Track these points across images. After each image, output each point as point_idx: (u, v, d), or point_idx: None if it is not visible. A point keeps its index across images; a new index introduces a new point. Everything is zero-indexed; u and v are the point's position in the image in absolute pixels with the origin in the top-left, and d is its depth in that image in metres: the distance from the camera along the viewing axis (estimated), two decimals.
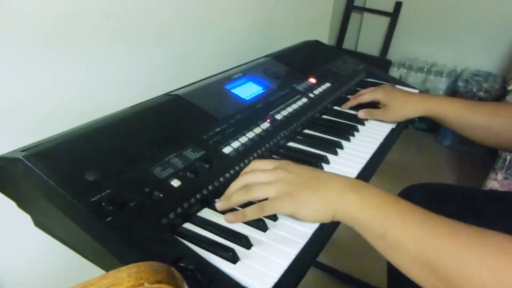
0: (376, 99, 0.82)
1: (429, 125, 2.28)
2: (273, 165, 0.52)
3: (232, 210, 0.50)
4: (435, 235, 0.41)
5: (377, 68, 1.09)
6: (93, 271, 0.41)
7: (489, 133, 0.71)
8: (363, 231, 0.46)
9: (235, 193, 0.50)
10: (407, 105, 0.78)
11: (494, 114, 0.71)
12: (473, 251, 0.39)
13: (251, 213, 0.47)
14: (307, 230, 0.48)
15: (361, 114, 0.80)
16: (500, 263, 0.37)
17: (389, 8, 2.39)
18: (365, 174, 0.64)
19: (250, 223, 0.49)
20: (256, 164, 0.53)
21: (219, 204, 0.51)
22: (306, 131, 0.75)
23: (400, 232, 0.42)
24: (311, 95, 0.82)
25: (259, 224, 0.48)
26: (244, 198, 0.49)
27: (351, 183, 0.48)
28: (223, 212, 0.51)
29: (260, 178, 0.50)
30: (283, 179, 0.48)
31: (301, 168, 0.51)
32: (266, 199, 0.48)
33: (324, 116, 0.82)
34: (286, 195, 0.47)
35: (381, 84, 1.02)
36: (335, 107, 0.86)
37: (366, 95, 0.83)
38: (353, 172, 0.63)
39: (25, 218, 0.49)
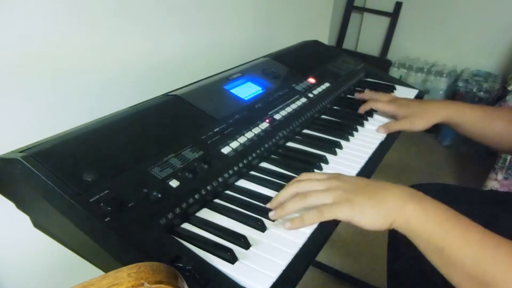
0: (391, 113, 0.80)
1: None
2: (326, 176, 0.51)
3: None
4: (496, 257, 0.40)
5: (377, 68, 1.09)
6: (93, 271, 0.41)
7: (506, 140, 0.71)
8: (420, 242, 0.45)
9: (289, 201, 0.49)
10: (427, 112, 0.76)
11: (511, 121, 0.71)
12: None
13: (310, 218, 0.46)
14: (306, 230, 0.48)
15: (380, 130, 0.77)
16: None
17: (389, 8, 2.40)
18: (365, 174, 0.63)
19: (248, 223, 0.49)
20: (308, 175, 0.53)
21: (273, 214, 0.49)
22: (305, 131, 0.75)
23: (460, 249, 0.42)
24: (310, 95, 0.82)
25: (258, 225, 0.48)
26: (301, 205, 0.48)
27: (410, 192, 0.47)
28: (223, 213, 0.51)
29: (314, 186, 0.49)
30: (340, 187, 0.48)
31: (354, 177, 0.50)
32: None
33: (323, 116, 0.82)
34: (345, 201, 0.46)
35: (381, 84, 1.02)
36: (335, 107, 0.86)
37: (380, 105, 0.80)
38: (353, 172, 0.63)
39: (24, 219, 0.49)
